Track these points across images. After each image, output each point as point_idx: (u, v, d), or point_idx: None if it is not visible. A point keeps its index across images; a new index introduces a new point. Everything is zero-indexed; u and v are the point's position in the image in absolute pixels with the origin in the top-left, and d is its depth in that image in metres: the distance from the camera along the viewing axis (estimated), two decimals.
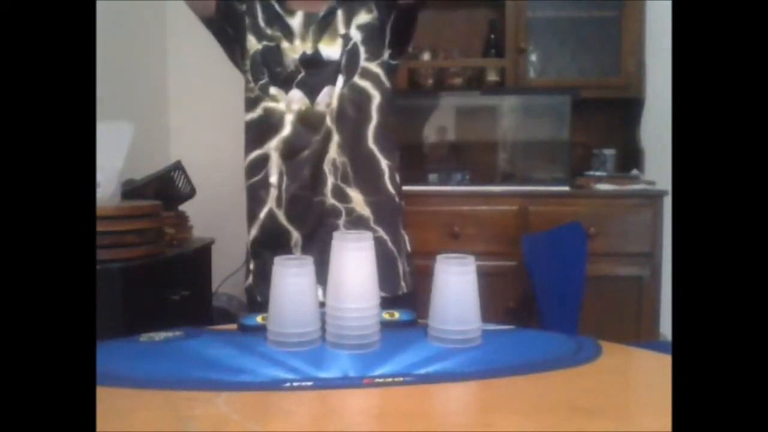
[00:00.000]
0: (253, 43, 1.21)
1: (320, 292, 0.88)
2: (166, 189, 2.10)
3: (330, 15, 1.20)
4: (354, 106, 1.17)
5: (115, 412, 0.65)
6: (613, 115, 2.53)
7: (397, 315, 0.97)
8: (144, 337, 0.90)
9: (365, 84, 1.18)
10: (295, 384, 0.72)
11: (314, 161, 1.17)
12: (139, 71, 2.56)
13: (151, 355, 0.83)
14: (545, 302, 1.89)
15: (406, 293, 1.21)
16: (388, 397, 0.71)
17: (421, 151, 2.53)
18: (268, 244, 1.20)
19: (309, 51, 1.18)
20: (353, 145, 1.17)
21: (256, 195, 1.22)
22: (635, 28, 2.32)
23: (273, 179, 1.19)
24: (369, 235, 0.86)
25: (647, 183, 2.26)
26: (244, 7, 1.23)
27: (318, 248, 1.11)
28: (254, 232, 1.23)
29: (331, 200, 1.18)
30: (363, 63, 1.18)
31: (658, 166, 2.36)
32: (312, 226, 1.18)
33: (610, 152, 2.41)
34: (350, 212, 1.18)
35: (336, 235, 0.86)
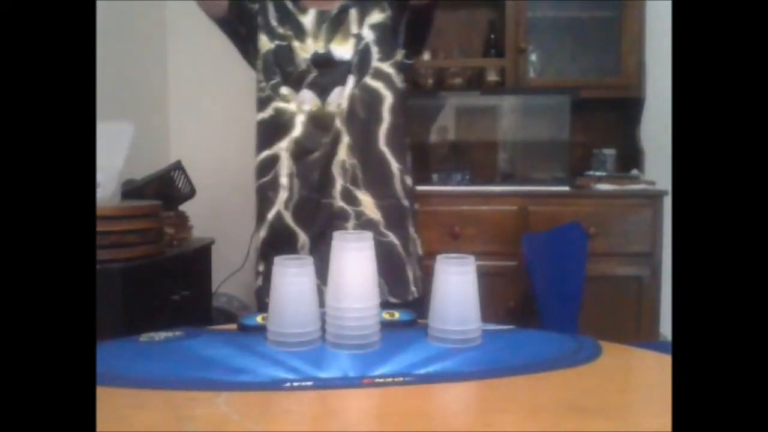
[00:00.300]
0: (264, 43, 1.20)
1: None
2: (166, 189, 2.11)
3: (342, 14, 1.18)
4: (365, 107, 1.15)
5: (115, 412, 0.65)
6: (613, 115, 2.53)
7: (397, 315, 0.97)
8: (144, 337, 0.90)
9: (377, 84, 1.16)
10: (295, 384, 0.72)
11: (323, 163, 1.15)
12: (139, 71, 2.56)
13: (151, 355, 0.83)
14: (545, 302, 1.89)
15: (417, 298, 1.19)
16: (388, 397, 0.71)
17: (422, 151, 2.53)
18: (276, 246, 1.19)
19: (321, 50, 1.17)
20: (363, 146, 1.16)
21: (265, 196, 1.21)
22: (635, 28, 2.32)
23: (283, 180, 1.18)
24: (369, 235, 0.86)
25: (647, 183, 2.26)
26: (256, 6, 1.22)
27: (325, 251, 1.09)
28: (263, 233, 1.23)
29: (339, 203, 1.16)
30: (375, 63, 1.17)
31: (658, 166, 2.36)
32: (320, 229, 1.17)
33: (610, 152, 2.41)
34: (359, 215, 1.16)
35: (336, 235, 0.86)
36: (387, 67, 1.17)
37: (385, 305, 0.99)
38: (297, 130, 1.17)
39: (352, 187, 1.16)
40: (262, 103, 1.22)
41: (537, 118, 2.52)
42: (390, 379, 0.74)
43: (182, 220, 2.19)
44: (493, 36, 2.47)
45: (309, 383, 0.73)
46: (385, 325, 0.89)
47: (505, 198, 2.19)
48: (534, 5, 2.37)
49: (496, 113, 2.54)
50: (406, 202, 1.20)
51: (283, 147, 1.18)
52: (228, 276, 2.69)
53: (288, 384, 0.72)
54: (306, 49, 1.18)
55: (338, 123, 1.15)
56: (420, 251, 1.24)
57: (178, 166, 2.19)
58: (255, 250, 1.26)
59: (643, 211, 2.15)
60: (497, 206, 2.18)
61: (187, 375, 0.75)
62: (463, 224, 2.16)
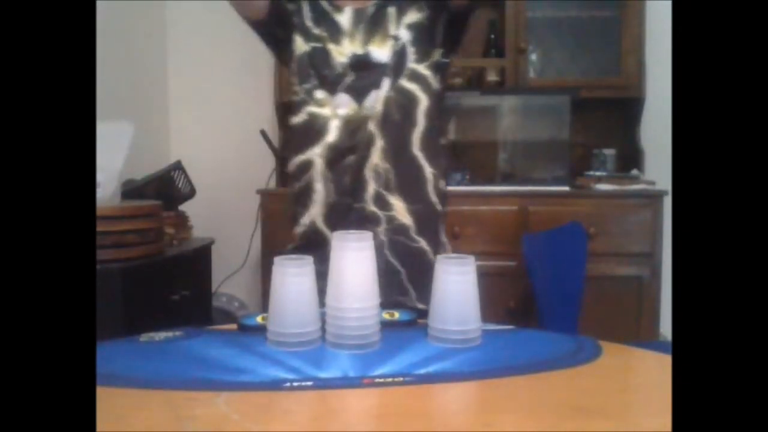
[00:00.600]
0: (300, 44, 1.18)
1: None
2: (166, 189, 2.11)
3: (380, 13, 1.15)
4: (400, 109, 1.13)
5: (115, 412, 0.65)
6: (613, 115, 2.53)
7: (397, 315, 0.97)
8: (144, 337, 0.90)
9: (412, 87, 1.13)
10: (295, 384, 0.72)
11: (356, 167, 1.13)
12: (139, 71, 2.57)
13: (151, 355, 0.83)
14: (545, 302, 1.89)
15: None
16: (388, 397, 0.71)
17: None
18: (307, 250, 1.18)
19: (359, 52, 1.14)
20: (397, 151, 1.13)
21: (299, 201, 1.18)
22: (635, 28, 2.32)
23: (318, 186, 1.15)
24: (369, 235, 0.85)
25: (647, 183, 2.26)
26: (293, 6, 1.19)
27: None
28: (297, 235, 1.20)
29: (371, 207, 1.13)
30: (411, 64, 1.13)
31: (658, 166, 2.37)
32: None
33: (610, 152, 2.41)
34: (391, 220, 1.13)
35: (336, 235, 0.85)
36: (423, 69, 1.14)
37: (413, 311, 0.99)
38: (331, 135, 1.14)
39: (384, 192, 1.13)
40: (296, 107, 1.18)
41: (537, 118, 2.52)
42: (390, 379, 0.74)
43: (182, 220, 2.19)
44: (493, 36, 2.47)
45: (309, 383, 0.73)
46: (385, 325, 0.89)
47: (505, 198, 2.19)
48: (534, 5, 2.37)
49: (496, 113, 2.54)
50: (439, 207, 1.18)
51: (317, 152, 1.14)
52: (228, 276, 2.70)
53: (288, 384, 0.72)
54: (342, 52, 1.15)
55: (372, 127, 1.12)
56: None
57: (178, 166, 2.19)
58: (287, 249, 1.22)
59: (643, 211, 2.15)
60: (497, 206, 2.18)
61: (187, 375, 0.75)
62: (463, 224, 2.16)
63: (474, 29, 2.54)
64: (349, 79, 1.14)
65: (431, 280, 1.16)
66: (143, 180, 2.08)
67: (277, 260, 0.84)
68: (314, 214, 1.16)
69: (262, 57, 2.61)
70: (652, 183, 2.25)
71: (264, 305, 1.65)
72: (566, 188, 2.23)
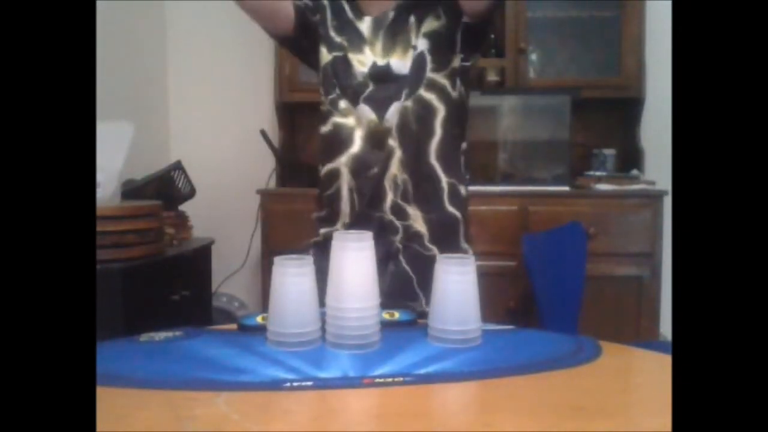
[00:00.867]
0: (324, 55, 1.20)
1: None
2: (166, 189, 2.11)
3: (400, 20, 1.16)
4: (417, 120, 1.13)
5: (115, 412, 0.65)
6: (613, 115, 2.53)
7: (397, 315, 0.97)
8: (144, 337, 0.90)
9: (430, 96, 1.14)
10: (295, 384, 0.72)
11: (377, 178, 1.14)
12: (139, 71, 2.57)
13: (151, 355, 0.83)
14: (545, 302, 1.89)
15: None
16: (388, 397, 0.71)
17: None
18: (326, 251, 1.18)
19: (380, 61, 1.15)
20: (414, 161, 1.14)
21: (331, 205, 1.20)
22: (635, 28, 2.32)
23: (344, 194, 1.17)
24: (369, 235, 0.85)
25: (647, 183, 2.26)
26: (317, 17, 1.21)
27: None
28: (321, 235, 1.22)
29: (389, 216, 1.15)
30: (429, 74, 1.14)
31: (658, 166, 2.36)
32: None
33: (610, 152, 2.41)
34: (407, 229, 1.15)
35: (336, 235, 0.86)
36: (441, 78, 1.15)
37: (422, 315, 1.00)
38: (356, 146, 1.15)
39: (402, 202, 1.15)
40: (323, 117, 1.20)
41: (537, 118, 2.52)
42: (390, 379, 0.74)
43: (182, 220, 2.19)
44: (493, 36, 2.47)
45: (309, 383, 0.73)
46: (385, 325, 0.89)
47: (505, 198, 2.19)
48: (534, 5, 2.37)
49: (496, 113, 2.54)
50: (457, 215, 1.18)
51: (343, 162, 1.16)
52: (228, 276, 2.70)
53: (288, 384, 0.72)
54: (363, 61, 1.17)
55: (392, 137, 1.14)
56: None
57: (178, 166, 2.19)
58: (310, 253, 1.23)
59: (643, 211, 2.15)
60: (497, 206, 2.19)
61: (187, 375, 0.75)
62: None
63: None
64: (370, 90, 1.15)
65: None
66: (143, 180, 2.08)
67: (277, 260, 0.84)
68: (340, 220, 1.18)
69: (262, 57, 2.62)
70: (652, 183, 2.25)
71: (264, 305, 1.65)
72: (566, 188, 2.23)
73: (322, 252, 1.08)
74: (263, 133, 2.33)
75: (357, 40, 1.18)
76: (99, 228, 1.50)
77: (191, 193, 2.23)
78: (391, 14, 1.17)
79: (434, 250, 1.15)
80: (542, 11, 2.40)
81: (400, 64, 1.14)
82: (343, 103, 1.17)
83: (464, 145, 1.22)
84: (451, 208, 1.17)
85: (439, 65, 1.14)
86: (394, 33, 1.16)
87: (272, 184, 2.55)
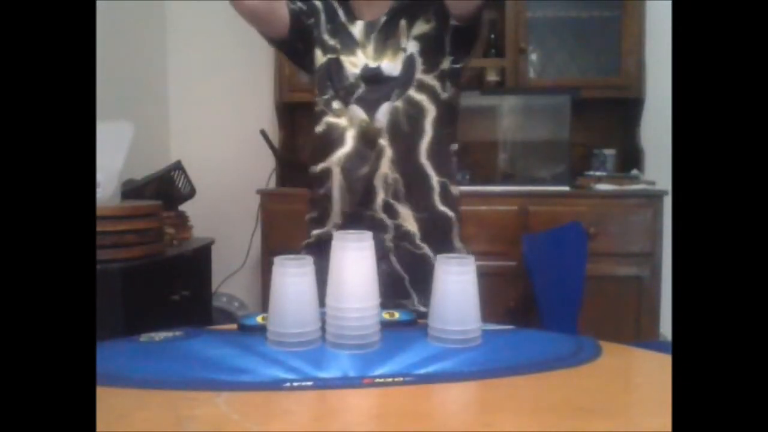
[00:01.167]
0: (319, 57, 1.22)
1: None
2: (166, 189, 2.11)
3: (391, 23, 1.18)
4: (408, 120, 1.15)
5: (115, 412, 0.65)
6: (613, 115, 2.53)
7: (397, 315, 0.97)
8: (144, 337, 0.90)
9: (420, 97, 1.16)
10: (295, 384, 0.72)
11: (368, 177, 1.16)
12: (139, 71, 2.57)
13: (151, 355, 0.83)
14: (545, 302, 1.89)
15: None
16: (388, 397, 0.71)
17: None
18: (319, 251, 1.19)
19: (371, 65, 1.18)
20: (405, 160, 1.16)
21: (319, 206, 1.22)
22: (635, 28, 2.32)
23: (336, 193, 1.18)
24: (369, 235, 0.86)
25: (647, 183, 2.26)
26: (312, 20, 1.23)
27: None
28: (313, 236, 1.24)
29: (380, 215, 1.16)
30: (419, 75, 1.16)
31: (658, 166, 2.36)
32: None
33: (610, 152, 2.41)
34: (398, 227, 1.17)
35: (336, 235, 0.86)
36: (431, 79, 1.17)
37: (414, 312, 1.01)
38: (347, 146, 1.17)
39: (393, 201, 1.16)
40: (317, 117, 1.23)
41: (537, 118, 2.52)
42: (390, 379, 0.74)
43: (182, 220, 2.19)
44: (493, 36, 2.47)
45: (309, 383, 0.73)
46: (385, 325, 0.89)
47: (505, 198, 2.19)
48: (534, 5, 2.37)
49: (496, 113, 2.53)
50: (450, 213, 1.20)
51: (334, 161, 1.18)
52: (228, 276, 2.69)
53: (288, 384, 0.72)
54: (355, 63, 1.19)
55: (383, 137, 1.15)
56: None
57: (178, 166, 2.19)
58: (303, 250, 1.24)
59: (643, 211, 2.15)
60: (497, 206, 2.18)
61: (187, 375, 0.75)
62: (463, 224, 2.15)
63: None
64: (361, 91, 1.17)
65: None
66: (143, 180, 2.08)
67: (277, 260, 0.84)
68: (331, 221, 1.20)
69: (262, 57, 2.61)
70: (652, 183, 2.25)
71: (264, 305, 1.65)
72: (566, 188, 2.23)
73: (315, 253, 1.09)
74: (263, 133, 2.33)
75: (349, 43, 1.20)
76: (99, 228, 1.50)
77: (191, 193, 2.23)
78: (383, 18, 1.19)
79: (425, 248, 1.17)
80: (542, 11, 2.40)
81: (391, 66, 1.17)
82: (336, 104, 1.19)
83: (455, 146, 1.24)
84: (442, 207, 1.19)
85: (429, 67, 1.16)
86: (385, 36, 1.18)
87: (272, 184, 2.55)
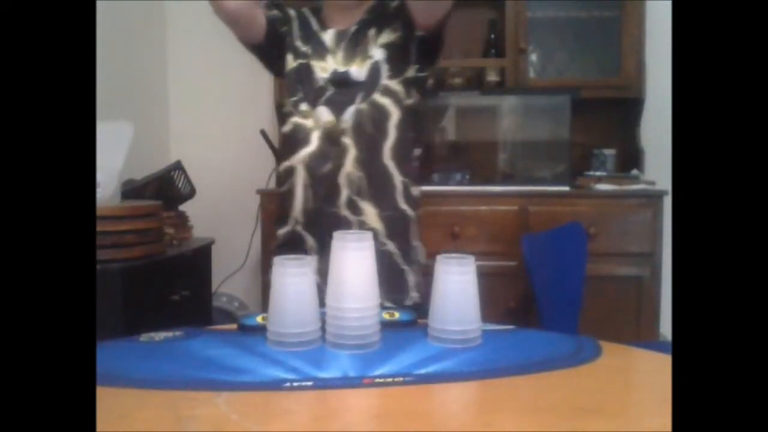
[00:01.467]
0: (290, 62, 1.29)
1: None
2: (166, 189, 2.11)
3: (360, 33, 1.25)
4: (372, 122, 1.21)
5: (115, 412, 0.65)
6: (613, 115, 2.53)
7: (397, 315, 0.97)
8: (144, 337, 0.90)
9: (385, 101, 1.22)
10: (295, 384, 0.72)
11: (332, 175, 1.21)
12: (139, 71, 2.56)
13: (151, 355, 0.83)
14: (545, 302, 1.89)
15: (417, 303, 1.22)
16: (388, 397, 0.71)
17: (422, 151, 2.53)
18: (288, 251, 1.22)
19: (340, 69, 1.24)
20: (369, 160, 1.21)
21: (284, 204, 1.27)
22: (635, 28, 2.32)
23: (298, 190, 1.23)
24: (369, 235, 0.86)
25: (647, 183, 2.26)
26: (285, 28, 1.31)
27: (329, 257, 1.11)
28: (279, 237, 1.29)
29: (344, 212, 1.21)
30: (384, 80, 1.22)
31: (658, 166, 2.36)
32: (324, 236, 1.18)
33: (610, 152, 2.41)
34: (362, 224, 1.21)
35: (336, 235, 0.86)
36: (395, 85, 1.23)
37: (410, 310, 1.03)
38: (313, 145, 1.22)
39: (356, 198, 1.21)
40: (284, 118, 1.29)
41: (537, 118, 2.52)
42: (390, 379, 0.74)
43: (182, 220, 2.19)
44: (493, 36, 2.47)
45: (309, 383, 0.73)
46: (385, 325, 0.89)
47: (505, 198, 2.19)
48: (534, 5, 2.37)
49: (496, 113, 2.53)
50: (410, 213, 1.25)
51: (299, 160, 1.23)
52: (228, 276, 2.69)
53: (288, 384, 0.72)
54: (325, 68, 1.25)
55: (347, 136, 1.21)
56: (422, 259, 1.28)
57: (178, 166, 2.19)
58: (265, 251, 1.31)
59: (643, 211, 2.15)
60: (497, 206, 2.18)
61: (187, 375, 0.75)
62: (463, 224, 2.16)
63: (474, 29, 2.54)
64: (329, 93, 1.24)
65: (400, 281, 1.22)
66: (143, 180, 2.08)
67: (277, 260, 0.84)
68: (294, 217, 1.25)
69: None
70: (652, 183, 2.25)
71: (264, 305, 1.65)
72: (566, 188, 2.23)
73: (284, 253, 1.12)
74: (263, 133, 2.33)
75: (320, 50, 1.27)
76: (99, 228, 1.50)
77: (191, 193, 2.23)
78: (354, 28, 1.26)
79: (389, 245, 1.22)
80: (542, 11, 2.40)
81: (359, 71, 1.24)
82: (303, 105, 1.25)
83: (419, 151, 1.31)
84: (404, 206, 1.24)
85: (394, 73, 1.24)
86: (354, 44, 1.26)
87: (272, 184, 2.54)
